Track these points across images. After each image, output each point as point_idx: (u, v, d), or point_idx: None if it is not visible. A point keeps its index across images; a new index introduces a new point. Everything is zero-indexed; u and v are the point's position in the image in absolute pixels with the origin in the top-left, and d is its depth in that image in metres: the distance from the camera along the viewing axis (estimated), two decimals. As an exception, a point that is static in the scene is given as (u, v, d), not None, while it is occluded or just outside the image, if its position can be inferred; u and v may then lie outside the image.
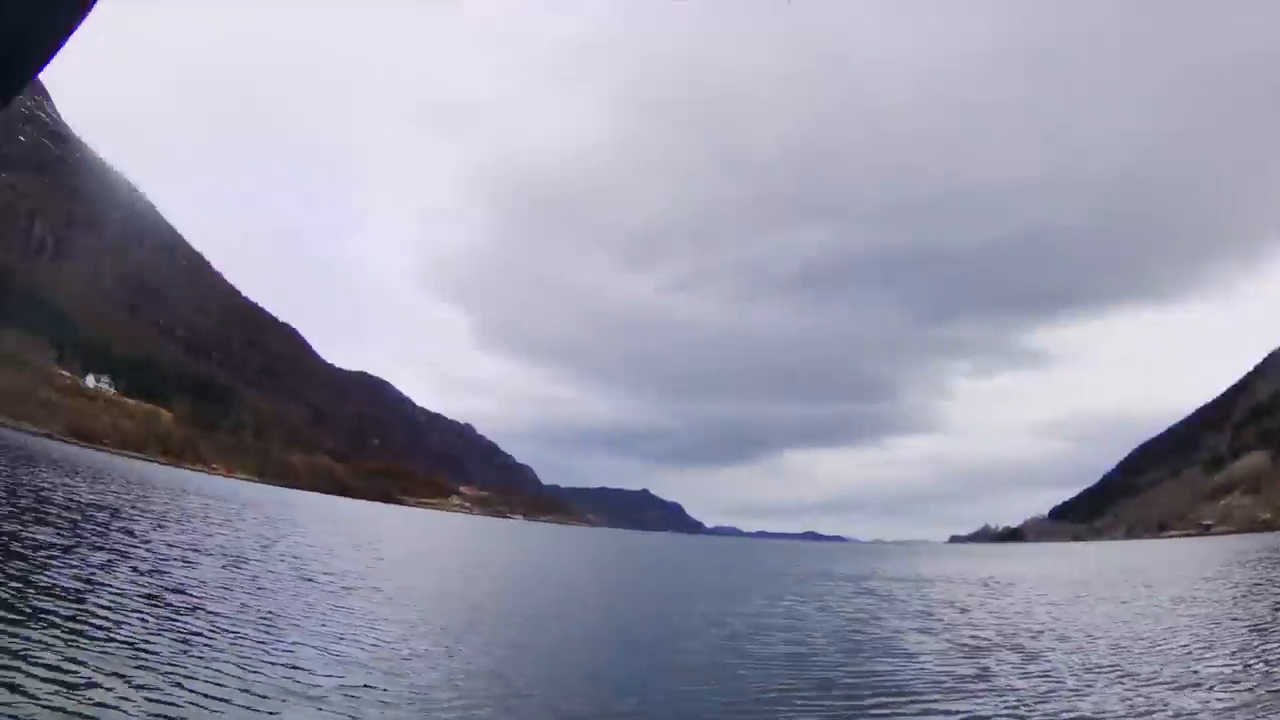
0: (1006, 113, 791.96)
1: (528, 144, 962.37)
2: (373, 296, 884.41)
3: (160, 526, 25.59)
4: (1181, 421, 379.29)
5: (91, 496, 32.59)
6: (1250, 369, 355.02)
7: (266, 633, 11.85)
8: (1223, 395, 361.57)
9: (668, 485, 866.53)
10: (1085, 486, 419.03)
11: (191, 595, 14.03)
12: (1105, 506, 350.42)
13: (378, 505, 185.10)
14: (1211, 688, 11.31)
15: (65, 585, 12.71)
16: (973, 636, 17.10)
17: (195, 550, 20.56)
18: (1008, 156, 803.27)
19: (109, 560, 16.11)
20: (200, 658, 9.79)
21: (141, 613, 11.72)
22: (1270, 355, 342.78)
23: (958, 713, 10.12)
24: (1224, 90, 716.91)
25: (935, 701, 10.72)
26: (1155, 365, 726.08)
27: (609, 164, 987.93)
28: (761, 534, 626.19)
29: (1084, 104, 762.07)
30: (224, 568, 18.23)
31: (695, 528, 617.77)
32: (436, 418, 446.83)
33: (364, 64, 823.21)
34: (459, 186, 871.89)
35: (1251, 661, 13.40)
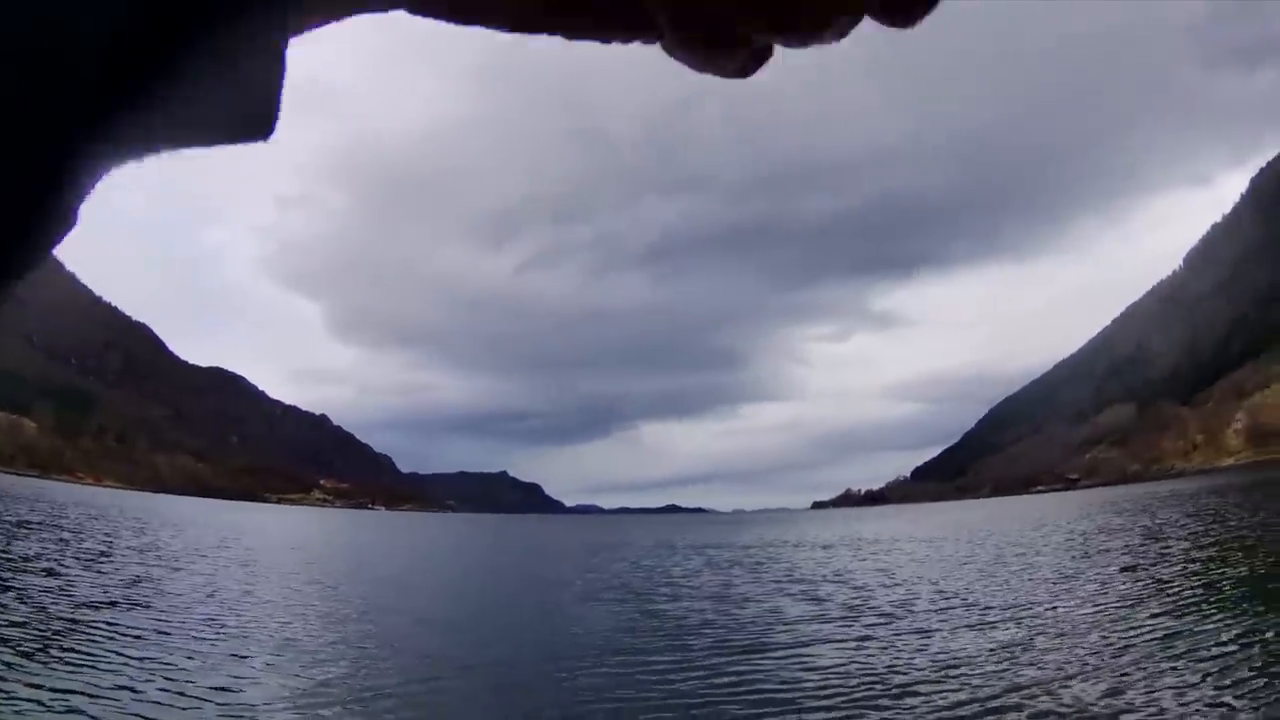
0: (861, 85, 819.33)
1: (384, 126, 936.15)
2: (224, 288, 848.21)
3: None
4: (1041, 377, 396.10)
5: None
6: (1110, 322, 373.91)
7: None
8: (1083, 349, 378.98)
9: (526, 465, 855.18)
10: (946, 446, 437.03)
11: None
12: (968, 465, 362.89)
13: (244, 505, 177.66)
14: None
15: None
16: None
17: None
18: (863, 127, 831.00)
19: None
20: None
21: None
22: (1130, 307, 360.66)
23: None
24: (1086, 59, 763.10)
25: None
26: (1013, 323, 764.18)
27: (466, 144, 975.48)
28: (623, 510, 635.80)
29: (940, 72, 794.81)
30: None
31: (555, 508, 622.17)
32: (291, 410, 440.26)
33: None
34: (315, 172, 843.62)
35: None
